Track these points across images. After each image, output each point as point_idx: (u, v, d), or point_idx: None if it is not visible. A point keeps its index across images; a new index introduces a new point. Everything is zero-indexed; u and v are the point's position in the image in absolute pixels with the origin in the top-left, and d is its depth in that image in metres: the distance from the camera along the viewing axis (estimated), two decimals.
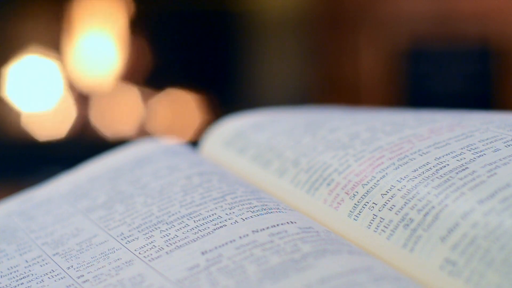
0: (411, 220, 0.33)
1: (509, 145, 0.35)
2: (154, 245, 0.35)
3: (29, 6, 1.74)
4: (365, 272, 0.30)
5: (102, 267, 0.34)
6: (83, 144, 1.70)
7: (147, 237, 0.35)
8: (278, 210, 0.36)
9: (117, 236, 0.36)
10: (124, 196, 0.40)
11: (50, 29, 1.76)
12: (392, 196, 0.34)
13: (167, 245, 0.34)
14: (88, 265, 0.35)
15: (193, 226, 0.35)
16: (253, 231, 0.34)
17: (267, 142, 0.43)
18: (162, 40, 1.80)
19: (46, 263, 0.36)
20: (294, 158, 0.40)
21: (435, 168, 0.35)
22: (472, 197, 0.32)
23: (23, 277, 0.35)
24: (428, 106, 0.66)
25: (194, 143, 0.50)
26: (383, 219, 0.34)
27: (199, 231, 0.35)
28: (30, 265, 0.36)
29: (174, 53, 1.80)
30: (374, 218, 0.34)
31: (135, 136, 1.73)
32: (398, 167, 0.36)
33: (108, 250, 0.35)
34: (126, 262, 0.34)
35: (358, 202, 0.35)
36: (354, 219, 0.35)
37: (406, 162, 0.36)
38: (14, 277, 0.35)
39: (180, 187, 0.39)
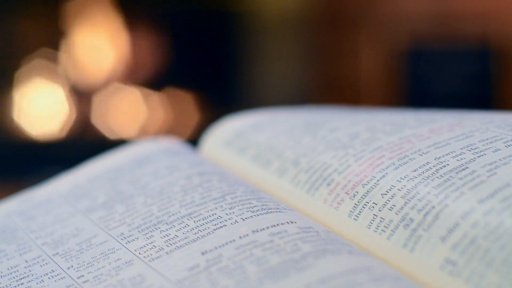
0: (411, 220, 0.33)
1: (509, 145, 0.35)
2: (154, 245, 0.35)
3: (29, 6, 1.74)
4: (365, 272, 0.30)
5: (102, 267, 0.34)
6: (83, 144, 1.70)
7: (147, 237, 0.35)
8: (278, 210, 0.36)
9: (117, 236, 0.36)
10: (124, 196, 0.40)
11: (50, 29, 1.75)
12: (392, 196, 0.34)
13: (167, 245, 0.34)
14: (88, 265, 0.35)
15: (193, 226, 0.35)
16: (253, 231, 0.34)
17: (267, 142, 0.43)
18: (162, 40, 1.80)
19: (46, 263, 0.36)
20: (294, 158, 0.40)
21: (435, 168, 0.35)
22: (472, 197, 0.32)
23: (23, 277, 0.35)
24: (428, 106, 0.66)
25: (194, 143, 0.50)
26: (383, 219, 0.34)
27: (199, 231, 0.35)
28: (30, 265, 0.36)
29: (174, 53, 1.80)
30: (374, 218, 0.34)
31: (135, 136, 1.73)
32: (398, 167, 0.36)
33: (108, 250, 0.35)
34: (126, 262, 0.34)
35: (358, 202, 0.35)
36: (354, 219, 0.35)
37: (406, 162, 0.36)
38: (14, 277, 0.35)
39: (180, 187, 0.39)
